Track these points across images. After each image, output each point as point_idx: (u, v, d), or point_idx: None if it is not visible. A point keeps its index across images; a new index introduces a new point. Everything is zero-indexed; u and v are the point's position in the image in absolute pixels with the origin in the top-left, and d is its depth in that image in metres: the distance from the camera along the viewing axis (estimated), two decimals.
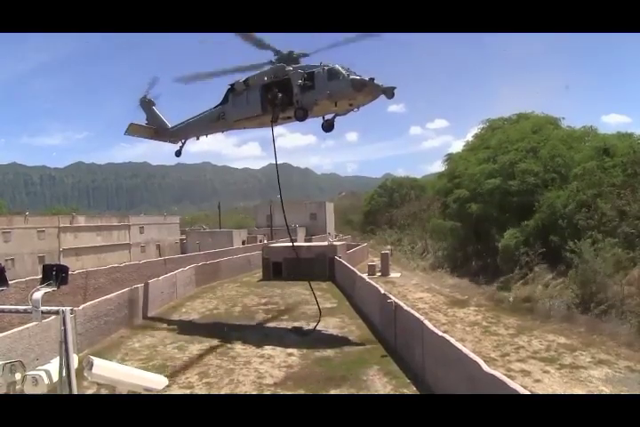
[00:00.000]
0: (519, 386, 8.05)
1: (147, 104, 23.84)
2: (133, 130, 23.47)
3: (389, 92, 16.71)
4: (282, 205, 21.37)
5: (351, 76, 16.99)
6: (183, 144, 23.61)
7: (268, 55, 18.67)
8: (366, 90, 16.84)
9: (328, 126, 19.57)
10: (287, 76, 18.26)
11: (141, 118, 24.12)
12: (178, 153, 23.89)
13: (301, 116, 18.20)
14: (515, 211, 27.08)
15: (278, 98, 18.31)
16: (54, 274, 4.53)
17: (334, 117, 19.31)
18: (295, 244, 41.89)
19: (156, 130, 23.74)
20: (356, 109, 18.06)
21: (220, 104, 20.90)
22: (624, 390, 11.91)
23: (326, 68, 17.55)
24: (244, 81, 19.58)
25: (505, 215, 27.58)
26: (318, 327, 19.15)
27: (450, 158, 39.05)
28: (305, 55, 18.66)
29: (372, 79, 16.67)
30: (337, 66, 17.42)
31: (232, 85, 20.10)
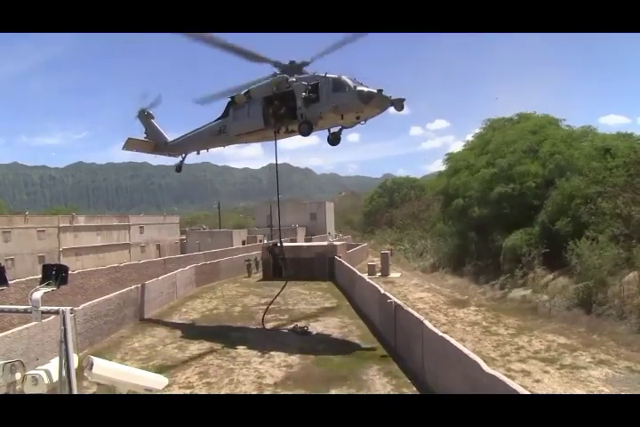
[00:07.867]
0: (519, 386, 8.03)
1: (145, 117, 22.91)
2: (132, 144, 22.52)
3: (399, 105, 15.62)
4: (278, 211, 20.17)
5: (358, 88, 15.87)
6: (183, 158, 22.72)
7: (268, 69, 17.79)
8: (374, 102, 15.71)
9: (334, 139, 18.55)
10: (290, 87, 17.22)
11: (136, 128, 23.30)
12: (178, 168, 23.07)
13: (306, 130, 17.12)
14: (516, 211, 27.09)
15: (281, 111, 17.41)
16: (54, 274, 4.54)
17: (341, 130, 18.33)
18: (295, 244, 42.00)
19: (155, 144, 22.82)
20: (363, 122, 16.95)
21: (221, 117, 19.85)
22: (624, 391, 11.90)
23: (331, 78, 16.51)
24: (244, 93, 18.50)
25: (506, 216, 27.58)
26: (319, 328, 19.14)
27: (450, 157, 39.07)
28: (306, 64, 17.58)
29: (380, 91, 15.59)
30: (343, 77, 16.39)
31: (233, 98, 19.00)
